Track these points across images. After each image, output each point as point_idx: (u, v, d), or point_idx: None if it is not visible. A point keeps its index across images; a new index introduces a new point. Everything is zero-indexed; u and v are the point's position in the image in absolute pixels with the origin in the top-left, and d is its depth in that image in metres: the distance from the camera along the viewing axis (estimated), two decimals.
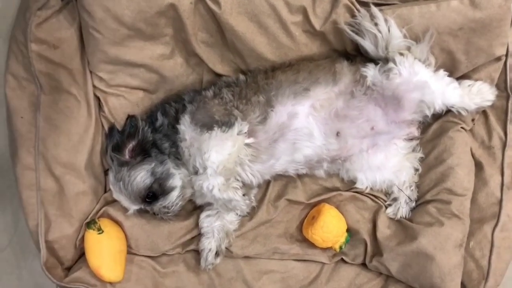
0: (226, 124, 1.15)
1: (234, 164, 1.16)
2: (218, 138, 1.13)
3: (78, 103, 1.25)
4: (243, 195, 1.18)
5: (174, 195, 1.20)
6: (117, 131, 1.21)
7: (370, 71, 1.21)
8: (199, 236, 1.30)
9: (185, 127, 1.18)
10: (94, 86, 1.28)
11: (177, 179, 1.21)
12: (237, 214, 1.29)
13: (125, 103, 1.31)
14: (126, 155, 1.19)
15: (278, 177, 1.33)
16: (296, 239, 1.33)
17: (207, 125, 1.16)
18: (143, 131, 1.20)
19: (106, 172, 1.34)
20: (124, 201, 1.22)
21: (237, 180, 1.19)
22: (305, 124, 1.19)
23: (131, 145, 1.20)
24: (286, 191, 1.34)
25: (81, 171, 1.26)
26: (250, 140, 1.17)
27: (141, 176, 1.18)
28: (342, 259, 1.33)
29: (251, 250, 1.30)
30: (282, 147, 1.20)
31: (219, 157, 1.13)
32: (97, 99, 1.30)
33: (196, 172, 1.18)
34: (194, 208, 1.33)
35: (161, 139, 1.21)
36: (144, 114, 1.31)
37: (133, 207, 1.22)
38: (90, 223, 1.25)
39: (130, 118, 1.20)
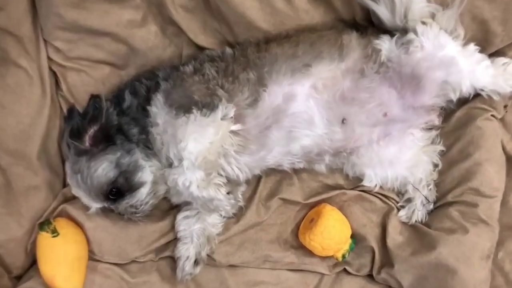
0: (208, 106, 0.98)
1: (217, 156, 1.00)
2: (198, 123, 0.97)
3: (29, 79, 1.08)
4: (228, 193, 1.04)
5: (143, 192, 1.04)
6: (77, 113, 1.03)
7: (385, 44, 1.04)
8: (175, 241, 1.14)
9: (158, 108, 1.01)
10: (49, 59, 1.11)
11: (147, 173, 1.04)
12: (220, 215, 1.14)
13: (87, 80, 1.14)
14: (86, 142, 1.01)
15: (270, 172, 1.17)
16: (290, 245, 1.17)
17: (184, 107, 0.99)
18: (107, 113, 1.02)
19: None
20: (84, 198, 1.05)
21: (220, 175, 1.04)
22: (304, 108, 1.03)
23: (92, 130, 1.01)
24: (280, 189, 1.18)
25: (33, 161, 1.09)
26: (237, 127, 1.01)
27: (103, 168, 1.01)
28: (344, 269, 1.18)
29: (238, 257, 1.15)
30: (276, 135, 1.04)
31: (198, 146, 0.97)
32: (54, 74, 1.14)
33: (170, 165, 1.03)
34: (170, 207, 1.18)
35: (129, 124, 1.04)
36: (111, 94, 1.13)
37: (94, 205, 1.05)
38: (44, 224, 1.08)
39: (94, 98, 1.01)
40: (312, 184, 1.20)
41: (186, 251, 1.10)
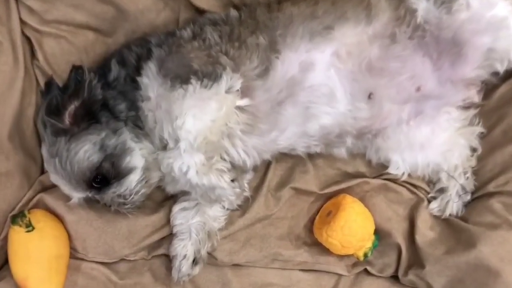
0: (210, 76, 0.86)
1: (220, 136, 0.89)
2: (197, 96, 0.85)
3: None
4: (232, 180, 0.92)
5: (133, 179, 0.92)
6: (56, 87, 0.91)
7: (422, 3, 0.91)
8: (170, 236, 1.03)
9: (150, 79, 0.89)
10: (22, 22, 0.98)
11: (137, 157, 0.92)
12: (223, 207, 1.03)
13: (68, 48, 1.01)
14: (66, 120, 0.88)
15: (281, 157, 1.06)
16: (303, 242, 1.06)
17: (181, 78, 0.86)
18: (90, 86, 0.88)
19: None
20: (64, 186, 0.94)
21: (223, 159, 0.92)
22: (324, 80, 0.91)
23: (73, 106, 0.89)
24: (292, 177, 1.06)
25: (3, 144, 0.96)
26: (244, 102, 0.88)
27: (85, 151, 0.88)
28: (365, 270, 1.07)
29: (243, 256, 1.03)
30: (290, 113, 0.92)
31: (198, 124, 0.85)
32: (28, 41, 1.01)
33: (164, 147, 0.92)
34: (164, 198, 1.06)
35: (115, 98, 0.92)
36: (95, 64, 1.02)
37: (76, 195, 0.93)
38: (17, 217, 0.96)
39: (75, 69, 0.88)
40: (329, 171, 1.09)
41: (183, 248, 0.99)
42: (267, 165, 1.07)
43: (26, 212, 0.97)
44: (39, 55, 1.00)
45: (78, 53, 1.01)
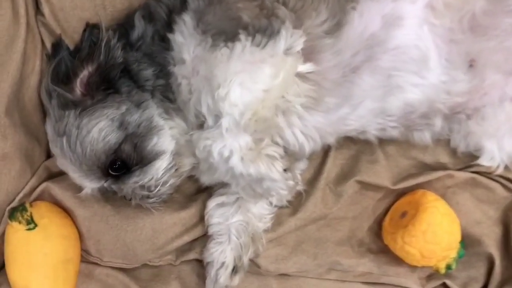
0: (264, 31, 0.72)
1: (274, 112, 0.75)
2: (247, 57, 0.71)
3: None
4: (284, 170, 0.77)
5: (160, 166, 0.79)
6: (66, 48, 0.78)
7: None
8: (204, 238, 0.91)
9: (184, 37, 0.75)
10: None
11: (166, 138, 0.79)
12: (270, 203, 0.90)
13: (80, 1, 0.86)
14: (76, 90, 0.75)
15: (344, 142, 0.91)
16: (367, 248, 0.93)
17: (226, 34, 0.73)
18: (108, 46, 0.74)
19: None
20: (73, 173, 0.80)
21: (276, 143, 0.79)
22: (414, 40, 0.76)
23: (86, 72, 0.75)
24: (358, 168, 0.90)
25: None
26: (307, 67, 0.74)
27: (101, 129, 0.75)
28: (443, 284, 0.93)
29: (292, 264, 0.91)
30: (367, 83, 0.77)
31: (247, 95, 0.71)
32: None
33: (201, 125, 0.79)
34: (197, 190, 0.95)
35: (140, 62, 0.78)
36: (115, 22, 0.86)
37: (88, 185, 0.80)
38: (16, 211, 0.84)
39: (90, 28, 0.76)
40: (402, 161, 0.93)
41: (221, 254, 0.87)
42: (324, 152, 0.92)
43: (27, 205, 0.85)
44: (45, 9, 0.87)
45: (94, 8, 0.86)
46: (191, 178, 0.89)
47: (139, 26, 0.78)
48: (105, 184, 0.79)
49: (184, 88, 0.76)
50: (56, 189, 0.88)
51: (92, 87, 0.75)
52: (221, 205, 0.89)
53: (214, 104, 0.72)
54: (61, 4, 0.85)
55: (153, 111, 0.78)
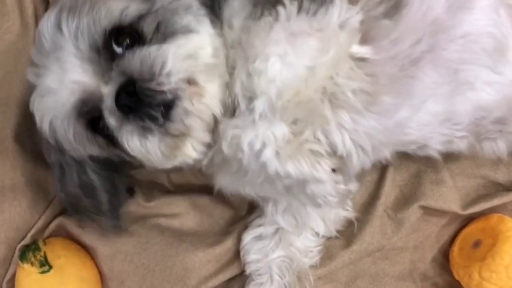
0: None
1: (320, 95, 0.59)
2: (292, 26, 0.59)
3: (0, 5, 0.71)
4: (333, 170, 0.60)
5: (184, 43, 0.59)
6: None
7: None
8: (241, 276, 0.80)
9: (239, 2, 0.63)
10: None
11: (203, 27, 0.61)
12: (316, 233, 0.77)
13: None
14: None
15: (402, 160, 0.78)
16: (433, 283, 0.81)
17: (272, 2, 0.60)
18: None
19: None
20: (58, 52, 0.58)
21: (317, 140, 0.60)
22: (487, 26, 0.62)
23: None
24: (420, 190, 0.77)
25: (8, 145, 0.74)
26: (365, 50, 0.59)
27: None
28: None
29: None
30: (430, 78, 0.62)
31: (287, 71, 0.58)
32: None
33: (232, 113, 0.63)
34: (230, 220, 0.82)
35: None
36: None
37: (74, 66, 0.58)
38: (28, 250, 0.74)
39: None
40: (469, 181, 0.79)
41: None
42: (380, 172, 0.79)
43: (40, 242, 0.75)
44: None
45: None
46: (223, 202, 0.79)
47: None
48: (96, 79, 0.58)
49: (227, 58, 0.62)
50: (72, 224, 0.77)
51: None
52: (259, 238, 0.77)
53: (248, 81, 0.59)
54: None
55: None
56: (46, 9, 0.75)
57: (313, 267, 0.78)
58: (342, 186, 0.61)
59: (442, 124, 0.66)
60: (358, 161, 0.64)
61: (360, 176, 0.77)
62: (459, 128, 0.67)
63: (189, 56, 0.57)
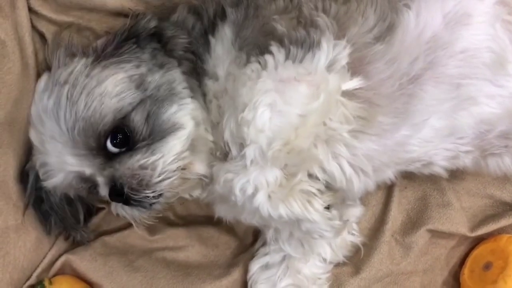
0: (300, 44, 0.59)
1: (312, 142, 0.60)
2: (280, 74, 0.58)
3: (0, 47, 0.68)
4: (327, 207, 0.61)
5: (173, 146, 0.63)
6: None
7: None
8: None
9: (223, 49, 0.65)
10: (32, 12, 0.73)
11: (186, 112, 0.64)
12: (324, 260, 0.75)
13: None
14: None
15: (407, 182, 0.77)
16: None
17: (259, 48, 0.61)
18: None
19: None
20: (54, 142, 0.63)
21: (315, 177, 0.62)
22: (485, 40, 0.62)
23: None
24: (427, 214, 0.76)
25: (9, 186, 0.70)
26: (355, 83, 0.60)
27: (117, 83, 0.62)
28: None
29: None
30: (432, 95, 0.62)
31: (277, 120, 0.58)
32: (41, 37, 0.75)
33: (225, 155, 0.64)
34: (237, 249, 0.81)
35: (175, 31, 0.66)
36: None
37: (70, 163, 0.63)
38: None
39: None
40: (476, 201, 0.79)
41: None
42: (386, 196, 0.77)
43: (46, 282, 0.74)
44: None
45: None
46: (228, 230, 0.78)
47: (181, 12, 0.67)
48: (92, 169, 0.62)
49: (213, 108, 0.64)
50: (78, 261, 0.76)
51: (111, 41, 0.64)
52: (266, 267, 0.75)
53: (238, 129, 0.59)
54: None
55: (177, 76, 0.65)
56: (44, 47, 0.73)
57: None
58: (336, 222, 0.61)
59: (445, 139, 0.66)
60: (360, 184, 0.64)
61: (366, 200, 0.77)
62: (464, 142, 0.67)
63: (177, 156, 0.61)
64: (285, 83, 0.58)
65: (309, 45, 0.58)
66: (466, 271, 0.75)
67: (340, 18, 0.62)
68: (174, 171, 0.62)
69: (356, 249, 0.76)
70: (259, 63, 0.59)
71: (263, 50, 0.60)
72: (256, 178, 0.59)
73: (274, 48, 0.58)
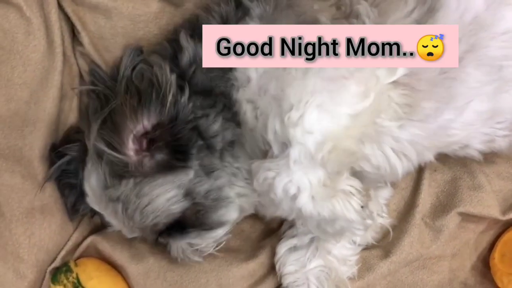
0: None
1: (360, 141, 0.59)
2: (328, 72, 0.57)
3: (26, 24, 0.68)
4: (361, 207, 0.60)
5: (219, 234, 0.68)
6: (102, 76, 0.68)
7: None
8: None
9: None
10: None
11: (234, 209, 0.67)
12: (353, 242, 0.75)
13: (123, 26, 0.71)
14: (130, 148, 0.61)
15: (437, 165, 0.75)
16: None
17: None
18: (175, 100, 0.60)
19: None
20: (121, 226, 0.67)
21: (355, 172, 0.62)
22: None
23: (141, 126, 0.61)
24: (458, 196, 0.74)
25: (35, 166, 0.70)
26: (400, 73, 0.58)
27: (168, 199, 0.63)
28: None
29: None
30: (473, 77, 0.61)
31: (326, 121, 0.57)
32: (67, 18, 0.72)
33: (265, 154, 0.63)
34: (264, 231, 0.80)
35: (207, 115, 0.63)
36: (159, 47, 0.70)
37: (131, 235, 0.69)
38: (59, 272, 0.71)
39: (132, 51, 0.66)
40: (506, 184, 0.77)
41: None
42: (415, 179, 0.76)
43: (71, 264, 0.73)
44: (84, 38, 0.72)
45: (137, 32, 0.71)
46: (256, 217, 0.75)
47: (188, 48, 0.63)
48: (151, 242, 0.69)
49: (249, 114, 0.62)
50: (103, 243, 0.74)
51: (150, 144, 0.61)
52: (294, 249, 0.74)
53: (283, 130, 0.57)
54: (100, 31, 0.71)
55: (225, 182, 0.65)
56: (71, 27, 0.72)
57: (351, 279, 0.74)
58: (369, 221, 0.62)
59: (485, 123, 0.65)
60: (403, 170, 0.64)
61: (395, 184, 0.75)
62: (502, 126, 0.66)
63: (226, 235, 0.68)
64: (333, 82, 0.56)
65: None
66: (496, 255, 0.73)
67: (380, 4, 0.60)
68: (222, 241, 0.69)
69: (385, 232, 0.74)
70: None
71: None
72: (299, 178, 0.58)
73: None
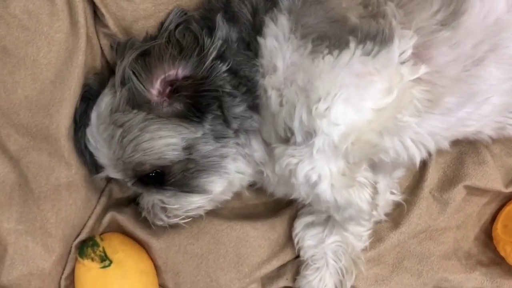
0: (374, 37, 0.59)
1: (381, 134, 0.61)
2: (356, 68, 0.59)
3: (49, 5, 0.68)
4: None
5: (196, 202, 0.70)
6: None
7: None
8: (296, 261, 0.79)
9: (279, 41, 0.62)
10: None
11: (223, 182, 0.69)
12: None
13: (145, 8, 0.72)
14: (155, 87, 0.64)
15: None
16: (477, 260, 0.82)
17: (329, 38, 0.60)
18: (212, 65, 0.63)
19: None
20: (102, 159, 0.69)
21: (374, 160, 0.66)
22: None
23: (173, 73, 0.64)
24: (463, 171, 0.79)
25: (61, 143, 0.71)
26: (422, 70, 0.61)
27: (168, 144, 0.65)
28: None
29: (395, 284, 0.80)
30: (494, 75, 0.64)
31: (351, 114, 0.59)
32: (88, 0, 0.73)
33: (286, 140, 0.65)
34: (279, 206, 0.82)
35: (234, 96, 0.65)
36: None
37: (111, 173, 0.70)
38: (85, 246, 0.73)
39: (179, 12, 0.70)
40: (508, 160, 0.81)
41: (321, 282, 0.77)
42: None
43: (97, 238, 0.74)
44: (109, 20, 0.72)
45: (158, 14, 0.72)
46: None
47: (223, 28, 0.64)
48: (128, 183, 0.69)
49: (274, 100, 0.63)
50: (124, 219, 0.77)
51: (173, 92, 0.64)
52: (311, 225, 0.78)
53: (309, 120, 0.59)
54: (122, 14, 0.71)
55: (230, 152, 0.67)
56: (93, 8, 0.72)
57: (363, 250, 0.77)
58: (375, 213, 0.66)
59: (499, 113, 0.69)
60: (420, 158, 0.68)
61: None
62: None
63: (198, 208, 0.69)
64: (360, 77, 0.58)
65: (383, 39, 0.59)
66: (499, 226, 0.78)
67: (405, 4, 0.62)
68: (194, 214, 0.70)
69: (395, 206, 0.78)
70: (333, 55, 0.58)
71: (335, 41, 0.59)
72: (321, 167, 0.60)
73: (352, 43, 0.58)
